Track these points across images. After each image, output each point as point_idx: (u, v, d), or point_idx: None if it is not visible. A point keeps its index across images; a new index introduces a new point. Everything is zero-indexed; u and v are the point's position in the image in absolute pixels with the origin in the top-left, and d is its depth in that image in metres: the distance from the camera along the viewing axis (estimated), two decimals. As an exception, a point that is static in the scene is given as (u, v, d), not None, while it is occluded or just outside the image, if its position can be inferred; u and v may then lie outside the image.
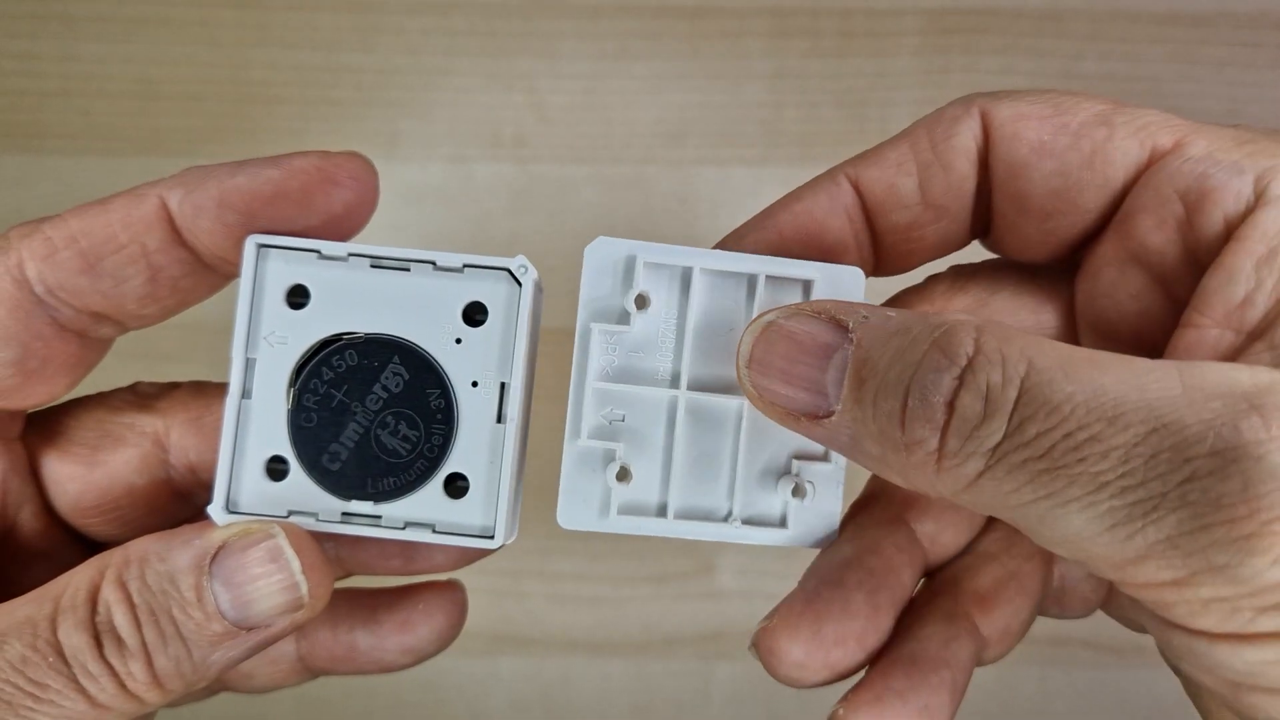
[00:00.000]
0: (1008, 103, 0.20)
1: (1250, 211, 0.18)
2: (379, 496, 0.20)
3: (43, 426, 0.23)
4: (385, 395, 0.20)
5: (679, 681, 0.37)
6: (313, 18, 0.40)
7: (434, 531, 0.20)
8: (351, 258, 0.20)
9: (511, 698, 0.38)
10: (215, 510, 0.20)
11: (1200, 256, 0.18)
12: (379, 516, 0.20)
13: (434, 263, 0.20)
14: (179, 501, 0.23)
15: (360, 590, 0.25)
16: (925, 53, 0.40)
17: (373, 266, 0.20)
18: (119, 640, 0.18)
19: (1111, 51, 0.40)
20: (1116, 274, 0.20)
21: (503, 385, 0.20)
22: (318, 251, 0.20)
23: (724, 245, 0.22)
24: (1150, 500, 0.14)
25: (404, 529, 0.20)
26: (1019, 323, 0.22)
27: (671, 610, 0.37)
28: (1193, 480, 0.14)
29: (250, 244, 0.20)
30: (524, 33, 0.40)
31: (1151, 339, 0.20)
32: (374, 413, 0.20)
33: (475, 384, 0.20)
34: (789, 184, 0.40)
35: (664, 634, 0.37)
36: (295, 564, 0.19)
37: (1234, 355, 0.17)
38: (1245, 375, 0.15)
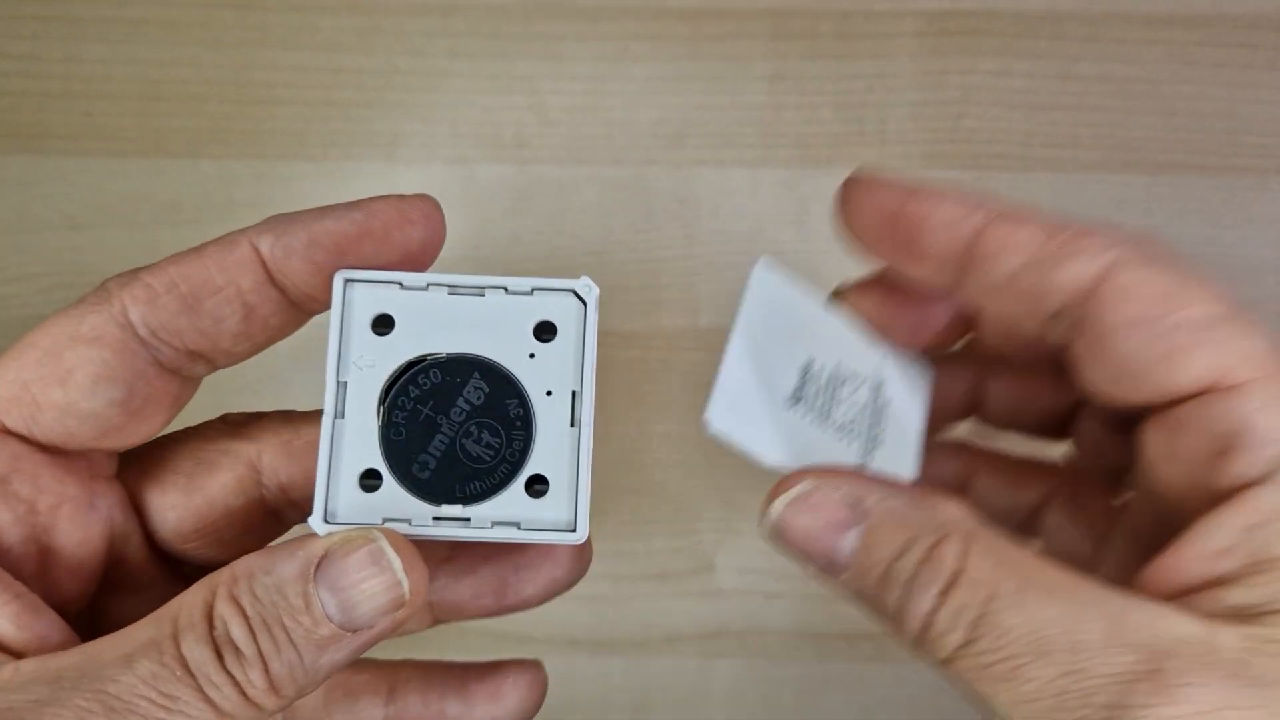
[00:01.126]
0: (1139, 266, 0.20)
1: (1258, 483, 0.19)
2: (467, 500, 0.22)
3: (139, 461, 0.24)
4: (468, 408, 0.22)
5: (679, 679, 0.37)
6: (314, 19, 0.40)
7: (519, 529, 0.21)
8: (430, 287, 0.23)
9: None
10: (315, 521, 0.21)
11: (1203, 497, 0.20)
12: (468, 519, 0.22)
13: (505, 288, 0.23)
14: (272, 520, 0.25)
15: (453, 664, 0.26)
16: (924, 55, 0.40)
17: (450, 294, 0.23)
18: (237, 651, 0.19)
19: (1109, 53, 0.40)
20: (1140, 463, 0.22)
21: (573, 393, 0.22)
22: (399, 283, 0.22)
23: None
24: None
25: (492, 528, 0.21)
26: (1000, 501, 0.27)
27: (672, 608, 0.38)
28: None
29: (339, 279, 0.22)
30: (525, 35, 0.40)
31: (1146, 537, 0.22)
32: (458, 424, 0.22)
33: (549, 393, 0.22)
34: (789, 185, 0.40)
35: (664, 632, 0.38)
36: (396, 563, 0.20)
37: (1193, 589, 0.19)
38: (1171, 627, 0.18)
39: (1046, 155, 0.40)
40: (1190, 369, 0.20)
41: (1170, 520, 0.21)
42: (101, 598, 0.23)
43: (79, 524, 0.22)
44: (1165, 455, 0.21)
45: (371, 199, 0.22)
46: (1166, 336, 0.20)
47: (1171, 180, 0.40)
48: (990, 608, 0.18)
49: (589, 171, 0.40)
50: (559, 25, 0.40)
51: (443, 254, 0.40)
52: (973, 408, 0.28)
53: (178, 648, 0.19)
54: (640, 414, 0.39)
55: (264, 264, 0.22)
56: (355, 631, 0.19)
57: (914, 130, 0.40)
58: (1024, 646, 0.18)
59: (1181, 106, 0.40)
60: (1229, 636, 0.18)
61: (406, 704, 0.26)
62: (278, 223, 0.22)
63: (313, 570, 0.19)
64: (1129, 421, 0.22)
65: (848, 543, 0.20)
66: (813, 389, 0.23)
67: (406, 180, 0.40)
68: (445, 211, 0.40)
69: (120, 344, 0.21)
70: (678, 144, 0.40)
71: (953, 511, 0.20)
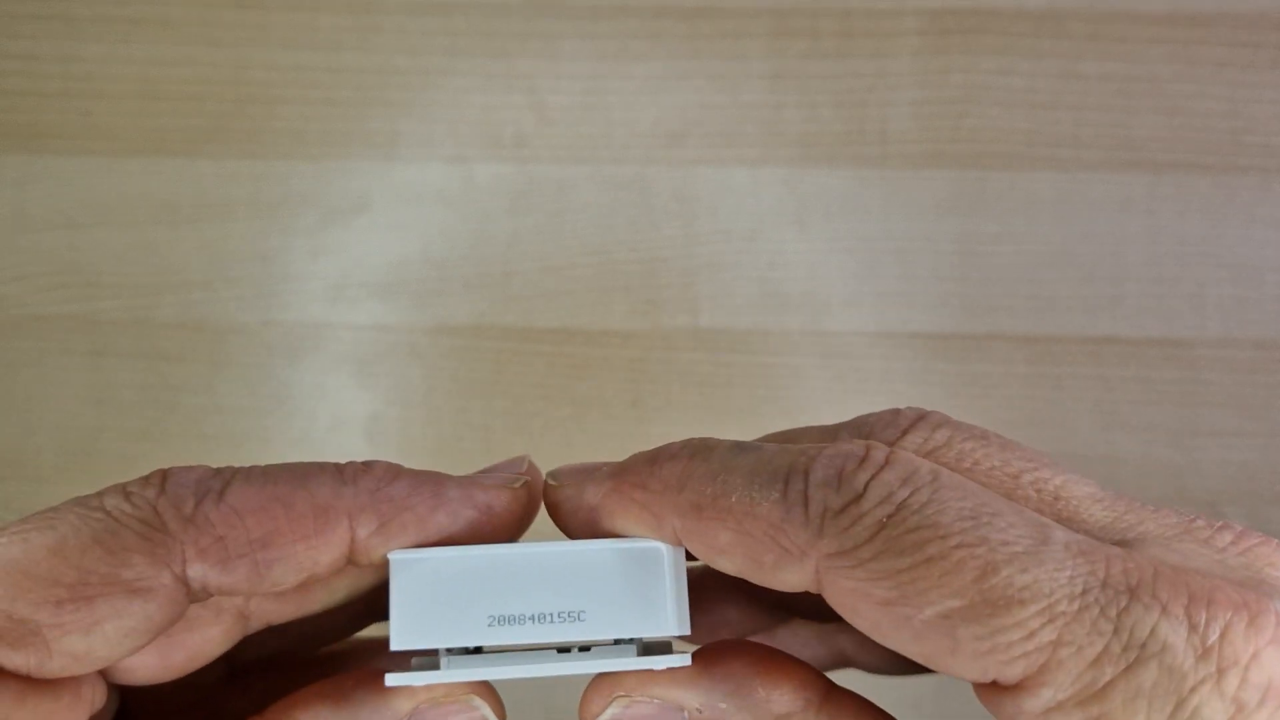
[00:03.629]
0: (843, 569, 0.16)
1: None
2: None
3: None
4: None
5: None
6: (313, 18, 0.40)
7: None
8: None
9: (512, 698, 0.38)
10: (396, 678, 0.18)
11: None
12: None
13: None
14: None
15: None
16: (925, 53, 0.40)
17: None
18: None
19: (1111, 52, 0.40)
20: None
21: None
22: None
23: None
24: None
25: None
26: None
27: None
28: None
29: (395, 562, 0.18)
30: (524, 33, 0.40)
31: None
32: None
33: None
34: (789, 184, 0.40)
35: (664, 634, 0.37)
36: (490, 715, 0.19)
37: None
38: None
39: (1048, 154, 0.40)
40: (961, 673, 0.16)
41: None
42: None
43: None
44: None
45: (493, 489, 0.19)
46: (917, 643, 0.16)
47: (1173, 180, 0.40)
48: None
49: (589, 171, 0.40)
50: (558, 24, 0.40)
51: (442, 253, 0.40)
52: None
53: None
54: (639, 414, 0.38)
55: (352, 545, 0.18)
56: None
57: (915, 129, 0.40)
58: None
59: (1184, 106, 0.40)
60: None
61: None
62: (382, 506, 0.18)
63: None
64: None
65: None
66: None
67: (406, 180, 0.40)
68: (444, 211, 0.40)
69: (166, 598, 0.17)
70: (678, 143, 0.40)
71: (785, 701, 0.18)
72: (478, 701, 0.19)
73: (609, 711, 0.18)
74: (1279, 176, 0.40)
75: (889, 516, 0.16)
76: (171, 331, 0.39)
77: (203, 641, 0.20)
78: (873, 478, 0.16)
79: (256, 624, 0.21)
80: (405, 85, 0.40)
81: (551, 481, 0.19)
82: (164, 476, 0.18)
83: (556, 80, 0.40)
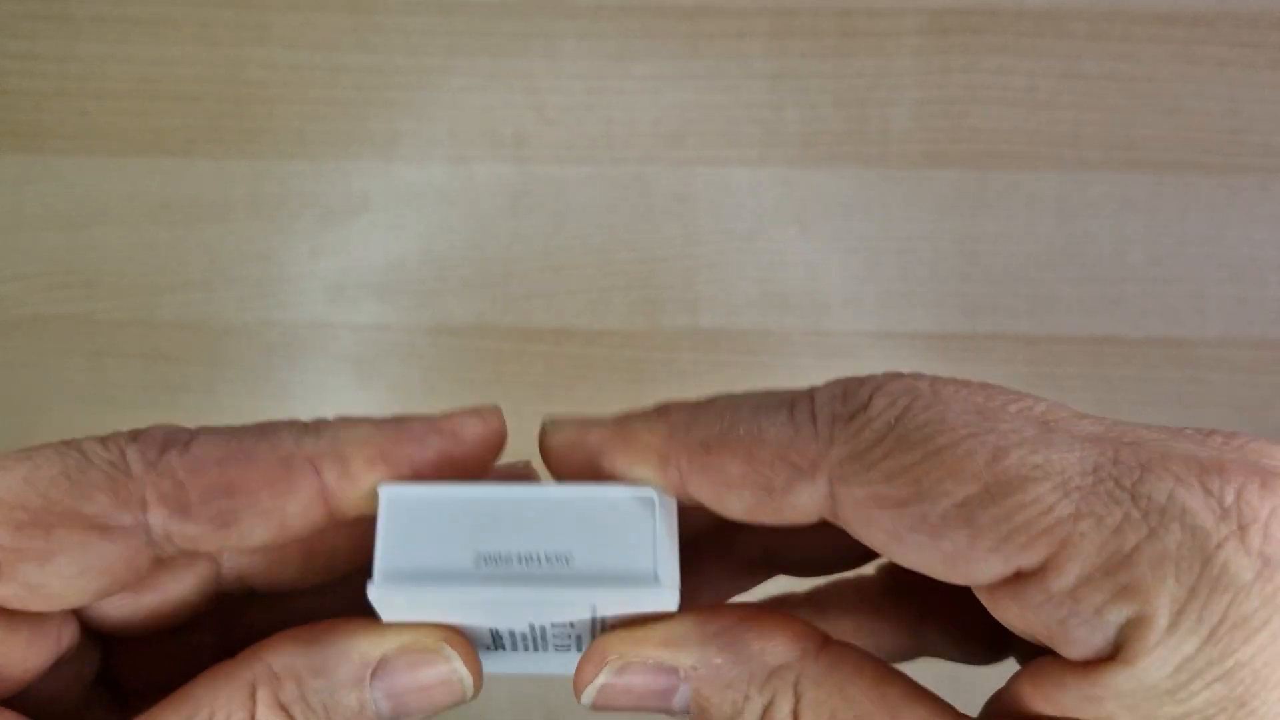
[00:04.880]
0: (858, 475, 0.16)
1: (1108, 660, 0.15)
2: None
3: None
4: None
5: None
6: (312, 17, 0.40)
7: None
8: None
9: (512, 697, 0.38)
10: (375, 592, 0.18)
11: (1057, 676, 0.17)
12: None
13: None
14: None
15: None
16: (925, 53, 0.40)
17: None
18: None
19: (1112, 51, 0.40)
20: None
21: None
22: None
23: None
24: None
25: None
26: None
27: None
28: None
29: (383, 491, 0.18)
30: (524, 33, 0.40)
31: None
32: None
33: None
34: (790, 184, 0.40)
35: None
36: (461, 669, 0.18)
37: None
38: None
39: (1049, 154, 0.40)
40: (979, 572, 0.16)
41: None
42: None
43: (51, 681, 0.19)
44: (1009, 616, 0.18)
45: (454, 416, 0.19)
46: (934, 544, 0.16)
47: (1175, 179, 0.40)
48: None
49: (589, 171, 0.40)
50: (558, 24, 0.40)
51: (443, 253, 0.40)
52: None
53: None
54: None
55: (324, 494, 0.18)
56: None
57: (916, 129, 0.40)
58: None
59: (1185, 105, 0.40)
60: None
61: None
62: (345, 448, 0.18)
63: (369, 675, 0.18)
64: None
65: (679, 701, 0.18)
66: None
67: (406, 179, 0.40)
68: (444, 211, 0.40)
69: (125, 541, 0.17)
70: (678, 143, 0.40)
71: (780, 651, 0.17)
72: (449, 651, 0.18)
73: (600, 678, 0.18)
74: (1279, 176, 0.40)
75: (896, 418, 0.16)
76: (171, 331, 0.39)
77: (176, 590, 0.20)
78: (877, 388, 0.16)
79: (231, 579, 0.21)
80: (405, 85, 0.40)
81: (549, 425, 0.19)
82: (140, 430, 0.18)
83: (556, 80, 0.40)
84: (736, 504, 0.17)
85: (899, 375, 0.17)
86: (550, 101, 0.40)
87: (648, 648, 0.18)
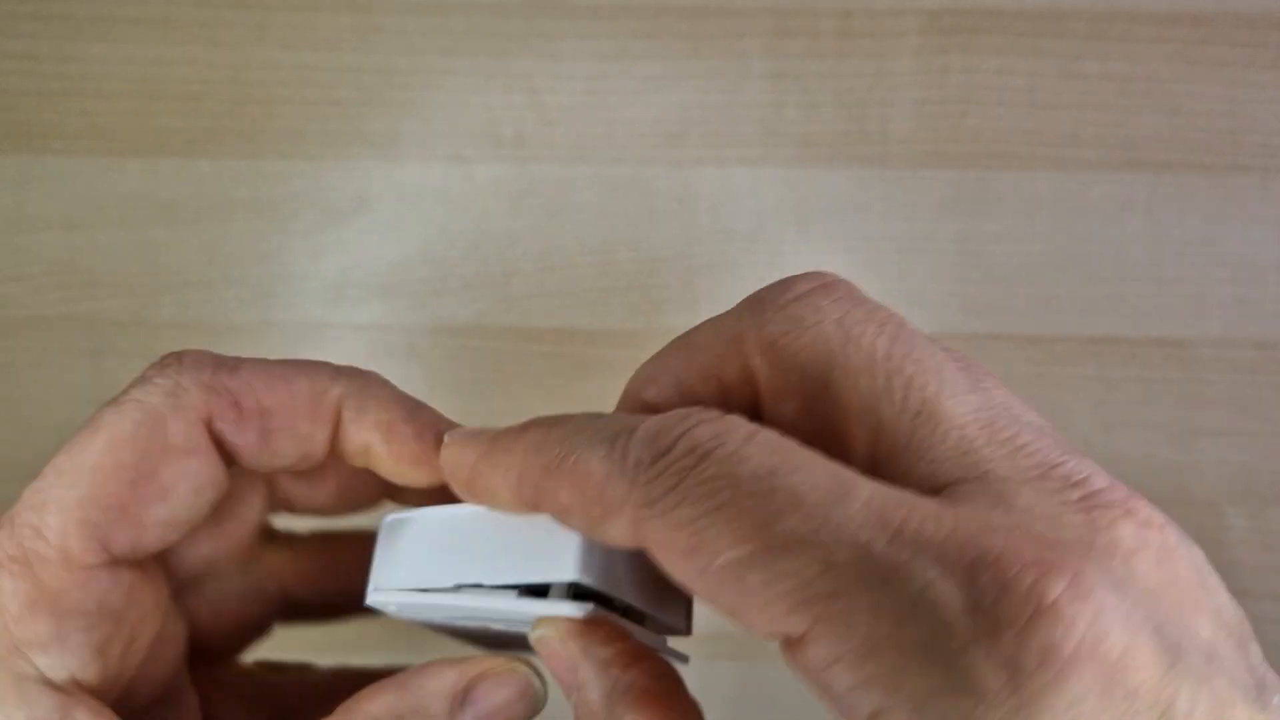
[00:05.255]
0: (650, 527, 0.16)
1: None
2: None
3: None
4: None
5: (679, 682, 0.37)
6: (313, 18, 0.40)
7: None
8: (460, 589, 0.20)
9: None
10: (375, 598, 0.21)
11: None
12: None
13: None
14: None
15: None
16: (925, 53, 0.40)
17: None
18: None
19: (1111, 51, 0.40)
20: None
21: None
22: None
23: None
24: None
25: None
26: None
27: (672, 610, 0.38)
28: None
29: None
30: (524, 33, 0.40)
31: None
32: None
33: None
34: (790, 184, 0.40)
35: (664, 634, 0.37)
36: (535, 681, 0.20)
37: None
38: None
39: (1049, 154, 0.40)
40: (759, 630, 0.16)
41: None
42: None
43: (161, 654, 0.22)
44: None
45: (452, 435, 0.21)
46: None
47: (1174, 179, 0.40)
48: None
49: (589, 171, 0.40)
50: (558, 24, 0.40)
51: (442, 253, 0.40)
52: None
53: None
54: (640, 414, 0.38)
55: (337, 426, 0.21)
56: None
57: (916, 129, 0.40)
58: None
59: (1184, 105, 0.40)
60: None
61: None
62: (364, 388, 0.21)
63: (458, 701, 0.20)
64: None
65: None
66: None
67: (406, 179, 0.40)
68: (444, 210, 0.40)
69: (209, 455, 0.20)
70: (678, 143, 0.40)
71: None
72: (521, 668, 0.20)
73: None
74: (1278, 176, 0.40)
75: (690, 469, 0.16)
76: (171, 332, 0.39)
77: (247, 515, 0.23)
78: (685, 433, 0.16)
79: (282, 505, 0.24)
80: (405, 85, 0.40)
81: (445, 440, 0.21)
82: (179, 357, 0.20)
83: (556, 80, 0.40)
84: (578, 526, 0.18)
85: (718, 417, 0.16)
86: (550, 101, 0.40)
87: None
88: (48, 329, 0.39)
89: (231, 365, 0.20)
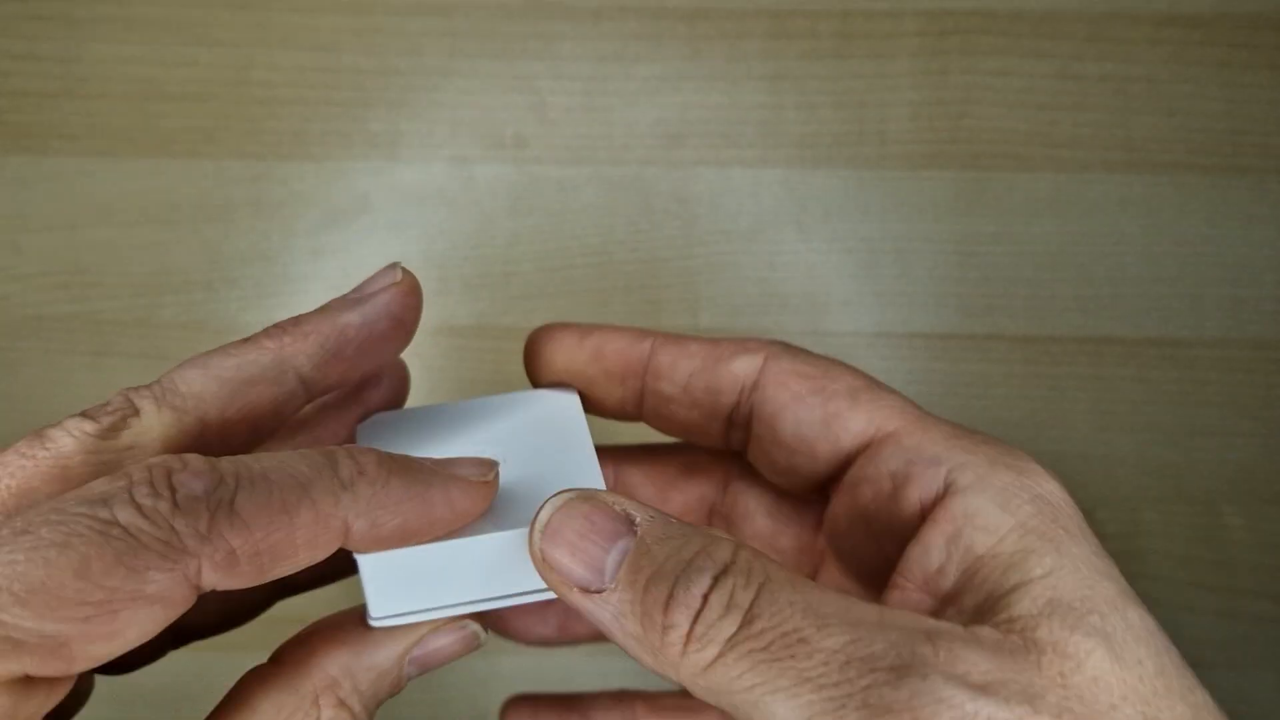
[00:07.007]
0: (788, 358, 0.24)
1: (941, 498, 0.21)
2: None
3: None
4: None
5: (679, 681, 0.37)
6: (314, 19, 0.40)
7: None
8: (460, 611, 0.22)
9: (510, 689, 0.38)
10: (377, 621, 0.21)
11: (903, 528, 0.22)
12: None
13: None
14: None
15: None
16: (924, 54, 0.40)
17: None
18: None
19: (1110, 53, 0.40)
20: (847, 524, 0.24)
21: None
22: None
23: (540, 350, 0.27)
24: (839, 698, 0.18)
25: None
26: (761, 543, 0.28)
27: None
28: (873, 687, 0.17)
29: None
30: (525, 34, 0.40)
31: (877, 578, 0.24)
32: None
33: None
34: (789, 185, 0.40)
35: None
36: (475, 626, 0.22)
37: (929, 615, 0.20)
38: (930, 621, 0.19)
39: (1047, 155, 0.40)
40: (850, 428, 0.23)
41: (883, 551, 0.23)
42: None
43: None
44: (856, 515, 0.24)
45: (465, 488, 0.21)
46: (823, 406, 0.24)
47: (1172, 180, 0.40)
48: (766, 588, 0.19)
49: (589, 171, 0.40)
50: (559, 25, 0.40)
51: (443, 253, 0.40)
52: None
53: None
54: (640, 414, 0.39)
55: (345, 538, 0.20)
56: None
57: (914, 130, 0.40)
58: (804, 620, 0.18)
59: (1182, 106, 0.40)
60: (983, 630, 0.19)
61: None
62: (377, 512, 0.20)
63: (406, 656, 0.21)
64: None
65: (613, 557, 0.20)
66: None
67: (407, 180, 0.40)
68: (445, 211, 0.40)
69: (182, 602, 0.18)
70: (677, 144, 0.40)
71: (718, 529, 0.21)
72: (473, 626, 0.22)
73: (550, 512, 0.21)
74: (1276, 177, 0.40)
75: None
76: (173, 332, 0.40)
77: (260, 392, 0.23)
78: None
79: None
80: (406, 85, 0.40)
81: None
82: (170, 486, 0.18)
83: (557, 81, 0.40)
84: None
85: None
86: (551, 102, 0.40)
87: (613, 496, 0.21)
88: (49, 329, 0.39)
89: (228, 502, 0.18)
